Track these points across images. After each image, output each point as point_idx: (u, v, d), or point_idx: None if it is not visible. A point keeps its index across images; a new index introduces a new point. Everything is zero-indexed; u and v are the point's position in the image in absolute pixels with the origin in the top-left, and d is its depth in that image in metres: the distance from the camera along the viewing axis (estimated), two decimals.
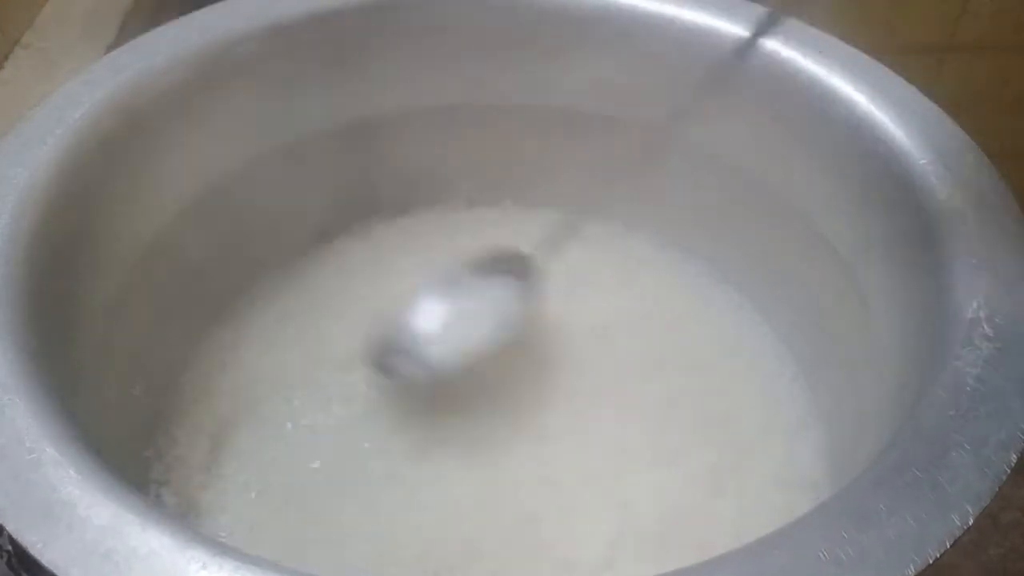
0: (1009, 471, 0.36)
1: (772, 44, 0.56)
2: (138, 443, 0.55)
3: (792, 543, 0.33)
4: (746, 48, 0.52)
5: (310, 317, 0.63)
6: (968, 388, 0.38)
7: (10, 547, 0.45)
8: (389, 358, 0.57)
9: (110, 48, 0.67)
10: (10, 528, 0.33)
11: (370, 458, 0.55)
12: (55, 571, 0.32)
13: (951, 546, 0.33)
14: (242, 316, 0.62)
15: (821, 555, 0.33)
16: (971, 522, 0.34)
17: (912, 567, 0.32)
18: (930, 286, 0.45)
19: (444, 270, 0.60)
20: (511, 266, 0.59)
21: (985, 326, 0.41)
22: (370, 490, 0.54)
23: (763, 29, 0.49)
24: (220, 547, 0.33)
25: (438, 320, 0.58)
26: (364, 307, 0.63)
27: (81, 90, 0.51)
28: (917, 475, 0.35)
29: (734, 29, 0.57)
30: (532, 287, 0.59)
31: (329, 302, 0.64)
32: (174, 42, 0.54)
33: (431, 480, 0.54)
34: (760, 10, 0.57)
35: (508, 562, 0.51)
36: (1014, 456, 0.36)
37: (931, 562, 0.33)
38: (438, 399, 0.58)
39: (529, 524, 0.52)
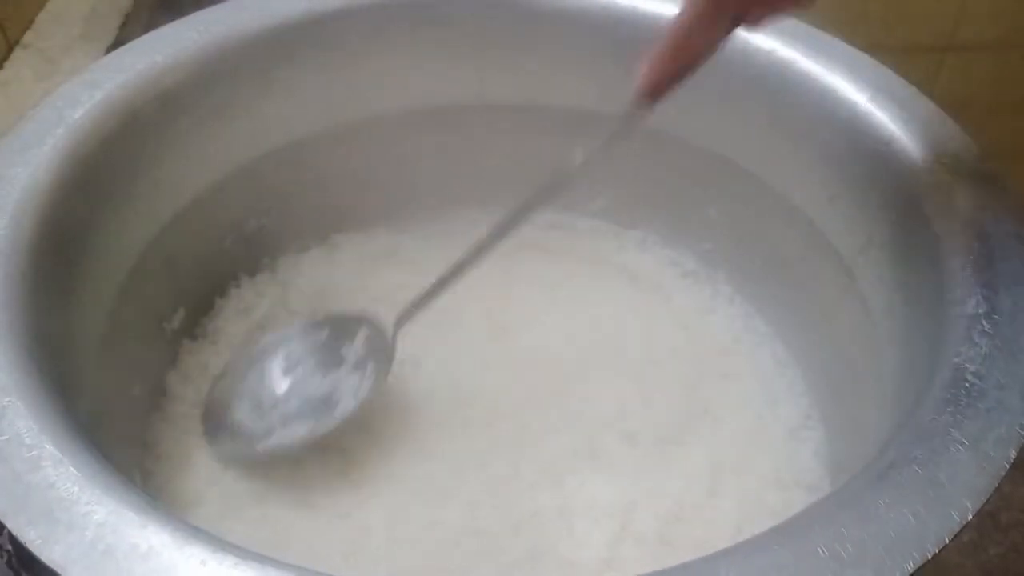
0: (1008, 467, 0.36)
1: (772, 44, 0.56)
2: (137, 443, 0.55)
3: (791, 539, 0.33)
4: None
5: (310, 316, 0.63)
6: (967, 385, 0.38)
7: (10, 546, 0.45)
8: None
9: (110, 48, 0.67)
10: (10, 526, 0.33)
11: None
12: (55, 569, 0.32)
13: (950, 542, 0.33)
14: (240, 314, 0.62)
15: (820, 551, 0.33)
16: (970, 518, 0.34)
17: (911, 563, 0.32)
18: (929, 285, 0.45)
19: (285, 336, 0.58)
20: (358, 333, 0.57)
21: (984, 323, 0.41)
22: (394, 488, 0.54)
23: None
24: (220, 543, 0.33)
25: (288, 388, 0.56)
26: (361, 305, 0.63)
27: (81, 90, 0.51)
28: (916, 471, 0.35)
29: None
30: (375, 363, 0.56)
31: (329, 303, 0.64)
32: (174, 42, 0.54)
33: (435, 475, 0.54)
34: None
35: (510, 562, 0.51)
36: (1013, 452, 0.36)
37: (930, 558, 0.33)
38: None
39: (530, 524, 0.52)
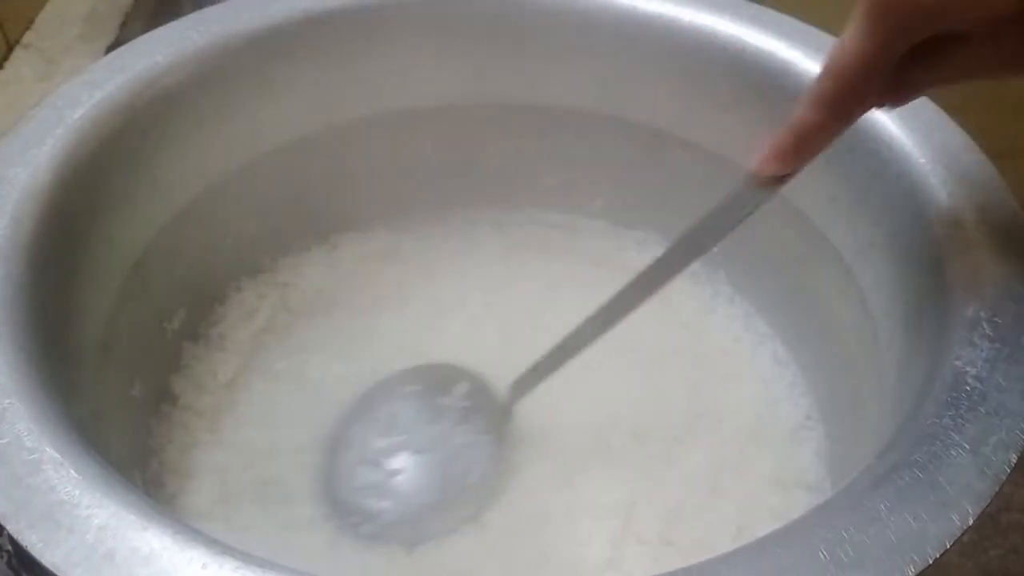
0: (1009, 471, 0.35)
1: (772, 44, 0.56)
2: (139, 445, 0.55)
3: (792, 543, 0.33)
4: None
5: (310, 316, 0.63)
6: (968, 387, 0.38)
7: (10, 547, 0.45)
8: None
9: (110, 48, 0.67)
10: (11, 528, 0.33)
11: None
12: (56, 572, 0.32)
13: (951, 546, 0.33)
14: (241, 314, 0.62)
15: (821, 555, 0.33)
16: (971, 522, 0.34)
17: (912, 567, 0.32)
18: (930, 286, 0.45)
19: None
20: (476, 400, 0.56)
21: (985, 326, 0.40)
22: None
23: None
24: (221, 547, 0.33)
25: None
26: (364, 307, 0.63)
27: (81, 90, 0.50)
28: (917, 475, 0.35)
29: (734, 29, 0.57)
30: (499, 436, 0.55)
31: (329, 304, 0.64)
32: (174, 42, 0.54)
33: None
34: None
35: (511, 561, 0.51)
36: (1014, 456, 0.36)
37: (931, 562, 0.33)
38: None
39: (532, 524, 0.52)
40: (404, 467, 0.53)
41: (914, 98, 0.41)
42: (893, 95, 0.40)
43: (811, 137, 0.41)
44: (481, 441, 0.54)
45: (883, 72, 0.37)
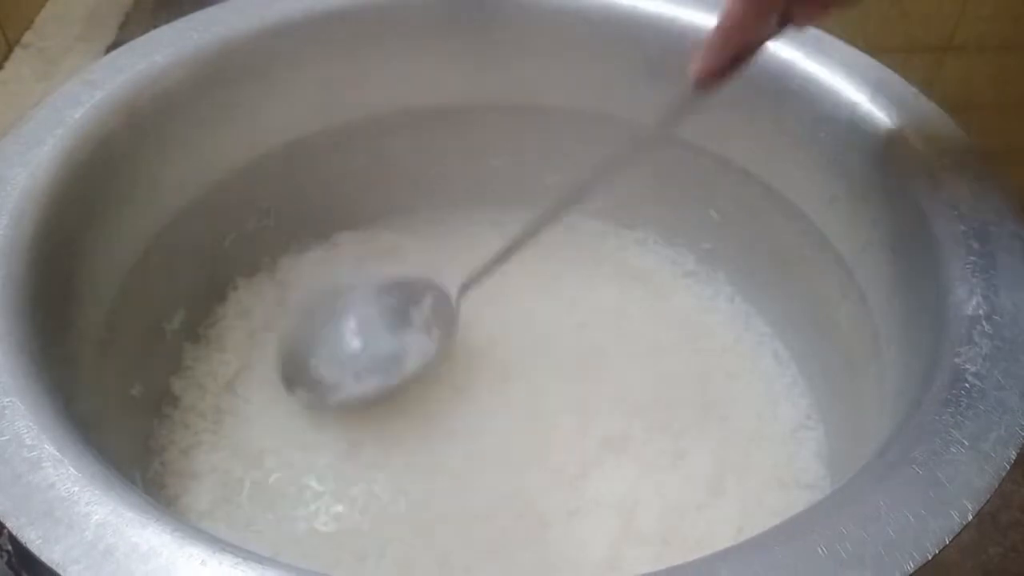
0: (1008, 468, 0.36)
1: (772, 44, 0.56)
2: (139, 443, 0.55)
3: (791, 539, 0.34)
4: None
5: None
6: (967, 385, 0.38)
7: (10, 546, 0.45)
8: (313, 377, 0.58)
9: (110, 48, 0.67)
10: (10, 526, 0.33)
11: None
12: (55, 569, 0.32)
13: (950, 542, 0.33)
14: (242, 315, 0.62)
15: (820, 551, 0.33)
16: (970, 519, 0.34)
17: (911, 563, 0.32)
18: (929, 285, 0.45)
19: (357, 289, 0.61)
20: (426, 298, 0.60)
21: (984, 324, 0.41)
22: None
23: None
24: (219, 544, 0.33)
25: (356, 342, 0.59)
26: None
27: (81, 90, 0.51)
28: (916, 472, 0.35)
29: None
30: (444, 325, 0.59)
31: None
32: (174, 42, 0.54)
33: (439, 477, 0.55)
34: None
35: (513, 563, 0.51)
36: (1013, 453, 0.36)
37: (930, 558, 0.33)
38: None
39: (533, 525, 0.52)
40: (362, 363, 0.58)
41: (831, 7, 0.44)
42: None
43: (735, 31, 0.44)
44: (430, 347, 0.58)
45: None
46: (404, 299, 0.60)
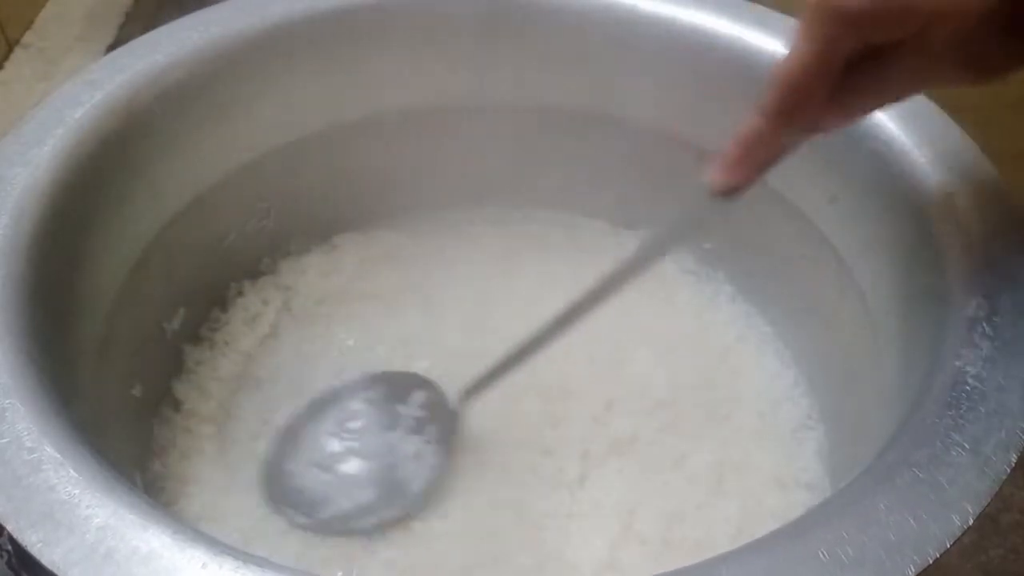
0: (1009, 471, 0.36)
1: (772, 44, 0.56)
2: (139, 445, 0.55)
3: (792, 542, 0.34)
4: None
5: (310, 317, 0.63)
6: (968, 387, 0.38)
7: (10, 547, 0.45)
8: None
9: (110, 48, 0.67)
10: (11, 528, 0.33)
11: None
12: (56, 571, 0.32)
13: (951, 546, 0.33)
14: (242, 315, 0.62)
15: (821, 555, 0.33)
16: (971, 522, 0.34)
17: (912, 567, 0.32)
18: (930, 285, 0.45)
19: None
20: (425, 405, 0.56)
21: (985, 325, 0.41)
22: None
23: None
24: (221, 546, 0.33)
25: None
26: (364, 307, 0.63)
27: (81, 90, 0.50)
28: (917, 475, 0.35)
29: (734, 29, 0.57)
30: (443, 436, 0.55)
31: (328, 302, 0.64)
32: (174, 42, 0.54)
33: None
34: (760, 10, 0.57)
35: (512, 565, 0.51)
36: (1014, 456, 0.36)
37: (931, 562, 0.33)
38: None
39: (533, 525, 0.52)
40: (350, 471, 0.54)
41: (860, 116, 0.41)
42: (839, 109, 0.39)
43: (757, 147, 0.40)
44: (429, 451, 0.55)
45: (825, 77, 0.37)
46: (388, 394, 0.57)
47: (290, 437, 0.56)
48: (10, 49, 0.67)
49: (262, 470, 0.55)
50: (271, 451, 0.55)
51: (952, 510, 0.34)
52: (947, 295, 0.43)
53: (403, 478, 0.54)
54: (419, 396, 0.56)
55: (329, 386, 0.58)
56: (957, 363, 0.39)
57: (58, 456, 0.35)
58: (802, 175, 0.56)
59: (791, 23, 0.57)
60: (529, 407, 0.57)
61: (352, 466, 0.55)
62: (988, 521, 0.56)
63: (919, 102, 0.52)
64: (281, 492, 0.54)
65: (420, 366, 0.59)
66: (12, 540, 0.33)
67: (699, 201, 0.44)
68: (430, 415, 0.56)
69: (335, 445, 0.55)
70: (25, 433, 0.36)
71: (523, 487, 0.54)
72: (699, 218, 0.46)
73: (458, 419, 0.55)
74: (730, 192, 0.42)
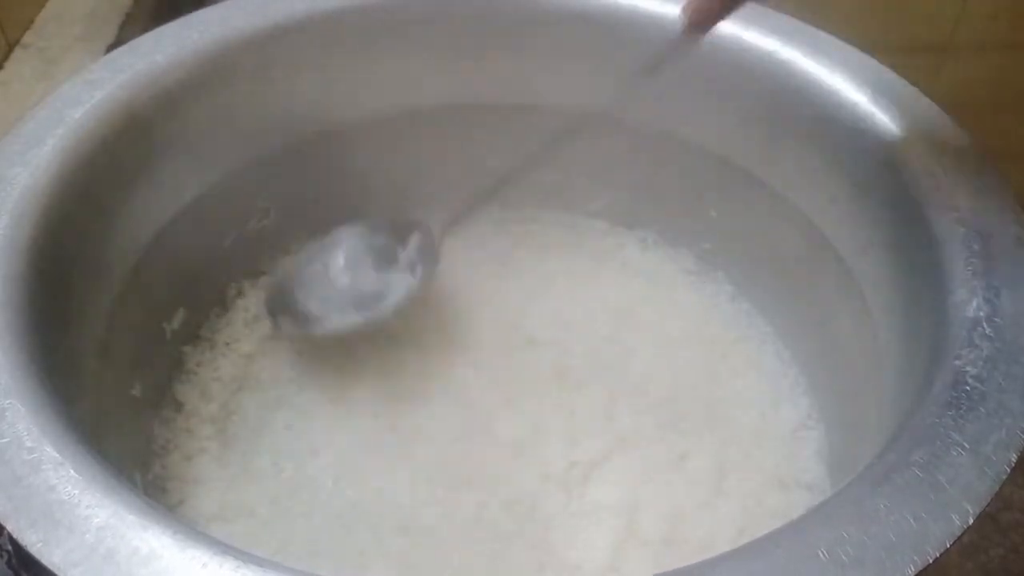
0: (1009, 471, 0.36)
1: (772, 44, 0.56)
2: (137, 444, 0.55)
3: (792, 543, 0.34)
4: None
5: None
6: (968, 387, 0.38)
7: (10, 547, 0.45)
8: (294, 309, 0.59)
9: (110, 48, 0.67)
10: (11, 528, 0.33)
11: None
12: (55, 571, 0.32)
13: (951, 546, 0.33)
14: (242, 315, 0.62)
15: (821, 554, 0.33)
16: (971, 522, 0.34)
17: (912, 567, 0.32)
18: (930, 286, 0.45)
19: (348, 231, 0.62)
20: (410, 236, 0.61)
21: (985, 326, 0.41)
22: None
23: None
24: (221, 546, 0.33)
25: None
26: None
27: (81, 90, 0.51)
28: (917, 475, 0.35)
29: (734, 29, 0.57)
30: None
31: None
32: (174, 42, 0.54)
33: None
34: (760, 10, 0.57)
35: (514, 565, 0.51)
36: (1014, 456, 0.36)
37: (931, 562, 0.33)
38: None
39: (535, 527, 0.52)
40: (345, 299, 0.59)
41: None
42: None
43: None
44: (414, 285, 0.60)
45: None
46: (392, 238, 0.61)
47: (298, 261, 0.62)
48: (10, 49, 0.67)
49: (270, 283, 0.62)
50: (281, 271, 0.62)
51: (952, 510, 0.34)
52: (947, 295, 0.43)
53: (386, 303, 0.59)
54: (414, 239, 0.61)
55: (338, 230, 0.62)
56: (957, 363, 0.39)
57: (58, 456, 0.35)
58: (802, 175, 0.57)
59: (790, 22, 0.57)
60: (529, 407, 0.57)
61: (348, 294, 0.59)
62: (988, 520, 0.56)
63: (920, 102, 0.52)
64: (282, 307, 0.60)
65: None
66: (12, 540, 0.33)
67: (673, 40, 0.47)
68: (420, 254, 0.61)
69: (337, 276, 0.60)
70: (25, 433, 0.36)
71: (524, 487, 0.54)
72: (665, 56, 0.48)
73: (439, 253, 0.61)
74: (701, 24, 0.45)
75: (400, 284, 0.59)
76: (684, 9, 0.45)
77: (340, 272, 0.60)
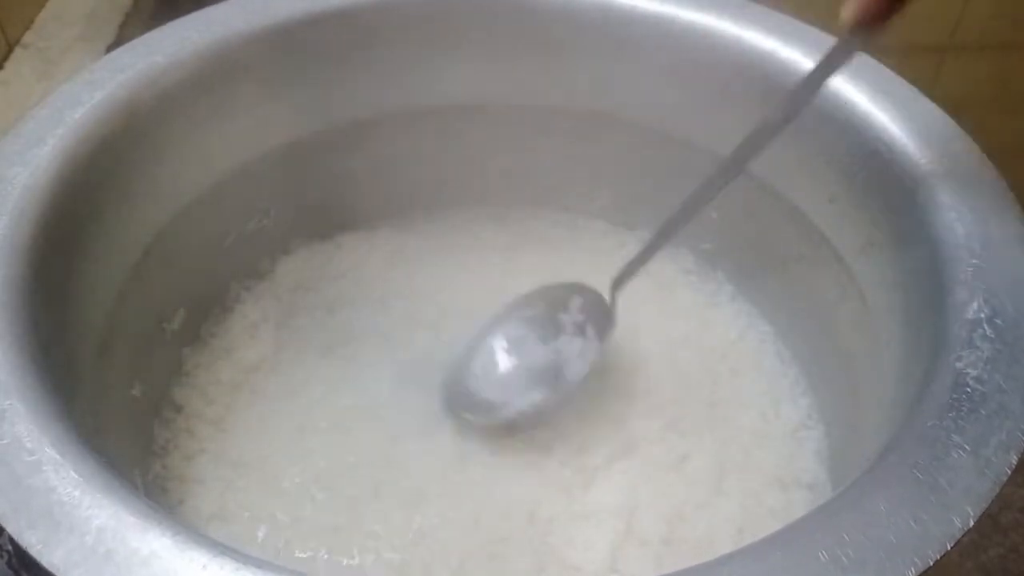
0: (1009, 472, 0.36)
1: (772, 44, 0.56)
2: (138, 444, 0.55)
3: (793, 544, 0.34)
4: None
5: (310, 317, 0.63)
6: (968, 389, 0.38)
7: (10, 547, 0.45)
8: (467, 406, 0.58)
9: (110, 48, 0.67)
10: (11, 529, 0.33)
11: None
12: (55, 572, 0.32)
13: (951, 547, 0.33)
14: (242, 316, 0.62)
15: (821, 556, 0.33)
16: (971, 523, 0.34)
17: (913, 569, 0.32)
18: (930, 287, 0.45)
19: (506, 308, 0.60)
20: (580, 304, 0.59)
21: (985, 327, 0.40)
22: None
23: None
24: (220, 548, 0.33)
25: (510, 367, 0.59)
26: (367, 306, 0.63)
27: (81, 90, 0.50)
28: (917, 476, 0.35)
29: (734, 29, 0.57)
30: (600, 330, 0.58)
31: (332, 304, 0.64)
32: (174, 42, 0.54)
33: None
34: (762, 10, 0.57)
35: (513, 566, 0.51)
36: (1014, 457, 0.36)
37: (931, 563, 0.33)
38: None
39: (534, 527, 0.52)
40: (521, 378, 0.58)
41: None
42: None
43: None
44: (591, 347, 0.58)
45: None
46: (548, 307, 0.60)
47: (466, 360, 0.59)
48: (10, 49, 0.67)
49: (445, 393, 0.59)
50: (450, 372, 0.59)
51: (952, 512, 0.34)
52: (947, 296, 0.43)
53: (567, 373, 0.57)
54: (577, 301, 0.59)
55: (495, 312, 0.61)
56: (958, 365, 0.39)
57: (58, 457, 0.35)
58: (802, 175, 0.57)
59: (790, 22, 0.57)
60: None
61: (522, 374, 0.58)
62: (988, 520, 0.56)
63: (919, 102, 0.52)
64: (463, 404, 0.57)
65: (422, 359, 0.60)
66: (12, 541, 0.33)
67: (835, 48, 0.44)
68: (586, 317, 0.59)
69: (506, 360, 0.59)
70: (25, 434, 0.36)
71: (524, 487, 0.54)
72: (839, 59, 0.45)
73: (614, 312, 0.58)
74: (867, 25, 0.41)
75: (571, 349, 0.58)
76: (846, 7, 0.41)
77: (505, 354, 0.59)
